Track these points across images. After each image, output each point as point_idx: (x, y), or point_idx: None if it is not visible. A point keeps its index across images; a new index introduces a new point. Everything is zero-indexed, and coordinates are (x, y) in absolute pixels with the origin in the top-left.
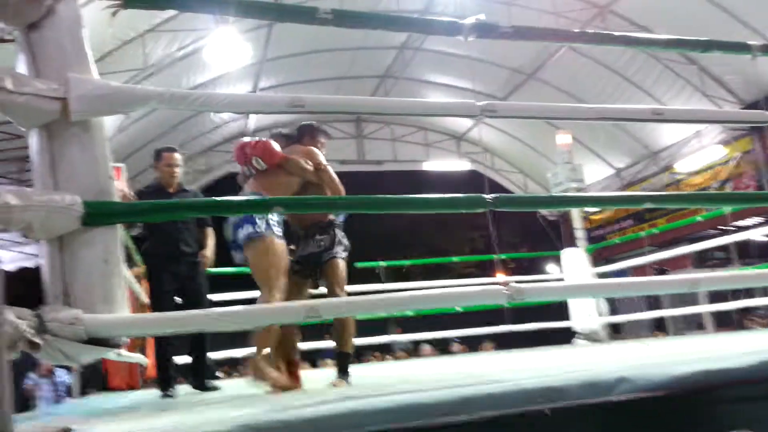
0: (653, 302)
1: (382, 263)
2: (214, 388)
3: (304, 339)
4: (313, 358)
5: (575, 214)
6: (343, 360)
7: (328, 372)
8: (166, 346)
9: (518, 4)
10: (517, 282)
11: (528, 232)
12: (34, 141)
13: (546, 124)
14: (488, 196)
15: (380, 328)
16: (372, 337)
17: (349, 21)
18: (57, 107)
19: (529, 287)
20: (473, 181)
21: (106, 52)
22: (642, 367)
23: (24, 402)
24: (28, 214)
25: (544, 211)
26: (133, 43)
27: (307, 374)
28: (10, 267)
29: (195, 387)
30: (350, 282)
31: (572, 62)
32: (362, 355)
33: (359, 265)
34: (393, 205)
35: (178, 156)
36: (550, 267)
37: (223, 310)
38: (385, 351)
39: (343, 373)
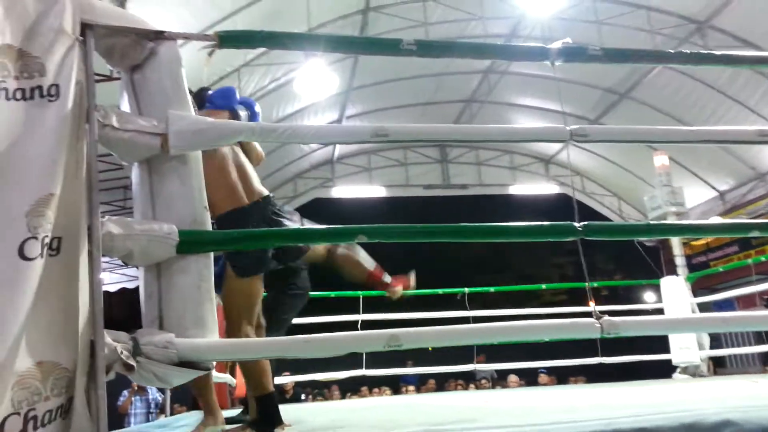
0: (764, 334)
1: (466, 290)
2: None
3: (385, 364)
4: (396, 384)
5: (675, 240)
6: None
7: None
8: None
9: (609, 23)
10: (611, 312)
11: (623, 258)
12: (135, 173)
13: (642, 146)
14: (578, 224)
15: (463, 355)
16: (455, 365)
17: (434, 51)
18: (157, 143)
19: (624, 321)
20: (562, 204)
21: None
22: (749, 409)
23: (119, 418)
24: (129, 243)
25: None
26: (229, 78)
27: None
28: (112, 288)
29: None
30: (432, 308)
31: (669, 80)
32: (445, 382)
33: (442, 291)
34: (476, 234)
35: None
36: (648, 296)
37: (308, 337)
38: (468, 379)
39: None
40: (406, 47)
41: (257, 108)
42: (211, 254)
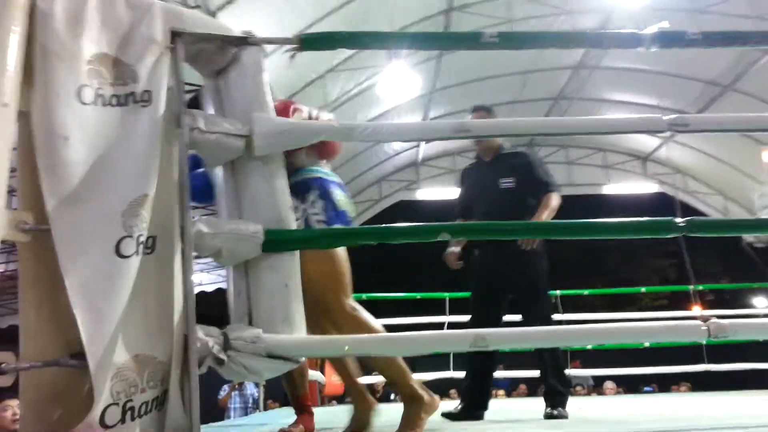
0: None
1: (558, 292)
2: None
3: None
4: None
5: None
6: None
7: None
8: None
9: (709, 11)
10: (718, 317)
11: (730, 260)
12: (220, 175)
13: (749, 140)
14: (679, 220)
15: None
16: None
17: (517, 42)
18: (242, 144)
19: (733, 324)
20: (662, 204)
21: (292, 93)
22: None
23: (219, 412)
24: (218, 241)
25: (749, 237)
26: (314, 84)
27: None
28: (210, 288)
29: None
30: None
31: None
32: (537, 387)
33: None
34: (567, 231)
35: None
36: (758, 301)
37: (394, 336)
38: None
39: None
40: (487, 40)
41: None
42: (297, 253)
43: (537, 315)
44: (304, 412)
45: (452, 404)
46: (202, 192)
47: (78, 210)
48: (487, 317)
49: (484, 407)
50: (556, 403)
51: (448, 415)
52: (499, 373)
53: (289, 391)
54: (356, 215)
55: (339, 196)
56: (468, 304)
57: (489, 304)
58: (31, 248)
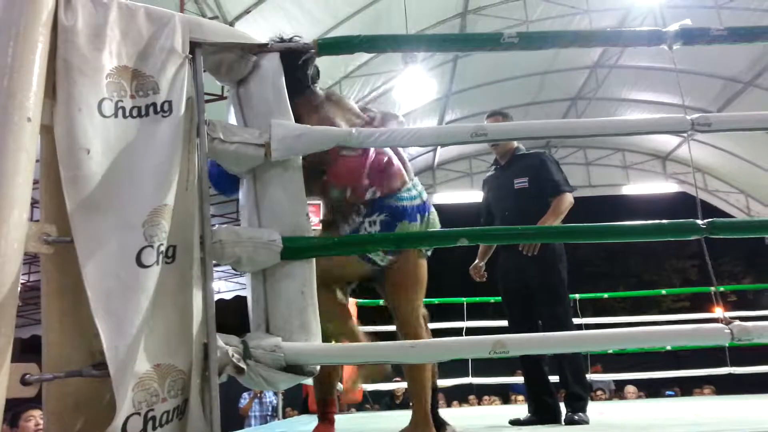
0: None
1: (577, 296)
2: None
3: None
4: (506, 393)
5: None
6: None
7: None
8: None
9: (730, 6)
10: (741, 319)
11: (753, 260)
12: (243, 183)
13: None
14: (701, 222)
15: None
16: None
17: (537, 42)
18: (261, 153)
19: (758, 326)
20: (683, 204)
21: None
22: None
23: (239, 420)
24: (238, 249)
25: None
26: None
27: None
28: (228, 296)
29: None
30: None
31: None
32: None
33: None
34: (588, 235)
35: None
36: None
37: (414, 343)
38: None
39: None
40: (507, 41)
41: None
42: (314, 260)
43: (554, 319)
44: (326, 419)
45: (471, 410)
46: (219, 179)
47: (99, 221)
48: (519, 321)
49: (549, 413)
50: (576, 407)
51: (515, 422)
52: (517, 378)
53: (317, 393)
54: None
55: (404, 227)
56: (485, 309)
57: (520, 308)
58: (54, 260)
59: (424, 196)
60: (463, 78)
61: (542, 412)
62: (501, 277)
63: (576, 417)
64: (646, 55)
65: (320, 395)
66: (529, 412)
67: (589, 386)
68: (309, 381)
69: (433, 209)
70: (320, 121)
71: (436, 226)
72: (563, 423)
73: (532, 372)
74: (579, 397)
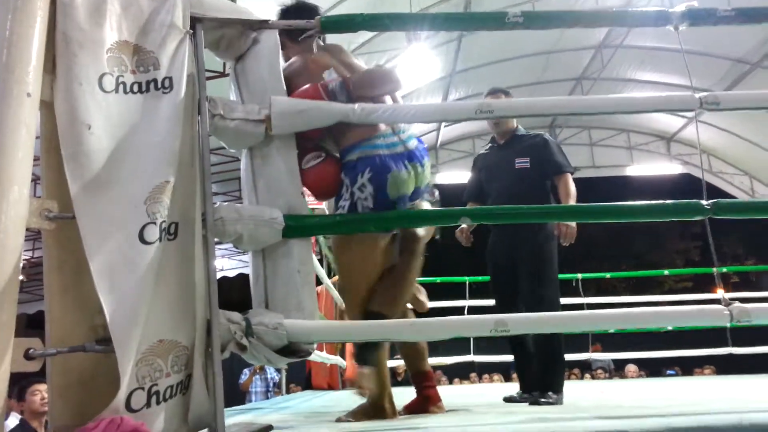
0: None
1: (579, 275)
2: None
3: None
4: (507, 371)
5: None
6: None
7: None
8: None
9: None
10: (742, 300)
11: (755, 241)
12: (242, 161)
13: None
14: (705, 202)
15: (577, 344)
16: (569, 354)
17: (542, 22)
18: (261, 130)
19: (756, 308)
20: (686, 185)
21: None
22: None
23: (240, 395)
24: (239, 227)
25: None
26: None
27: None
28: (232, 273)
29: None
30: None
31: None
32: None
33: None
34: (593, 215)
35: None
36: None
37: (414, 321)
38: (583, 369)
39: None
40: (512, 20)
41: None
42: (311, 239)
43: (537, 301)
44: (420, 393)
45: (472, 387)
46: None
47: (102, 197)
48: (507, 302)
49: (539, 388)
50: (548, 386)
51: (509, 399)
52: (502, 357)
53: (409, 368)
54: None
55: (395, 177)
56: (488, 288)
57: (507, 288)
58: (56, 235)
59: (411, 143)
60: (467, 57)
61: (532, 389)
62: (490, 256)
63: (542, 400)
64: (652, 36)
65: (412, 370)
66: (520, 389)
67: (563, 365)
68: (314, 357)
69: (426, 159)
70: (311, 62)
71: (427, 177)
72: (528, 404)
73: (520, 350)
74: (552, 377)
